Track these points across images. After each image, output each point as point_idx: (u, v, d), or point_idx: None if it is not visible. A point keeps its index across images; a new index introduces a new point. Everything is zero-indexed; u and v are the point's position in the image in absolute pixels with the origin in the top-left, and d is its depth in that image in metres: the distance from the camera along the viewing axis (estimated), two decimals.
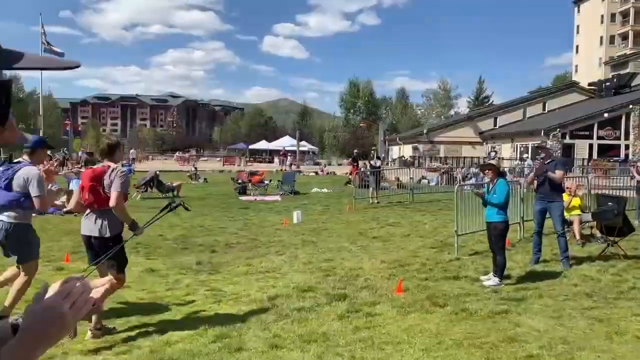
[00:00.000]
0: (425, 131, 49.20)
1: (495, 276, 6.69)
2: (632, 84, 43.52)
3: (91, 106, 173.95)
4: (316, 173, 36.88)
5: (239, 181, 20.93)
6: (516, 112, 49.11)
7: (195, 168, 29.10)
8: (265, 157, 63.52)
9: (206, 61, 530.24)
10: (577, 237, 9.35)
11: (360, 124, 68.65)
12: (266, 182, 20.56)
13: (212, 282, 6.74)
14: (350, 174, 25.33)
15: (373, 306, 5.65)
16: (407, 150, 52.34)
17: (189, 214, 11.18)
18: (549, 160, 7.86)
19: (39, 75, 46.52)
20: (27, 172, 4.76)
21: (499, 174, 6.84)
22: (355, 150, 23.48)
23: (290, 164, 41.91)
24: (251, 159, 61.67)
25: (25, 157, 4.97)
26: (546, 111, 48.23)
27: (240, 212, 14.19)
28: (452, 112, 76.75)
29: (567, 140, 37.44)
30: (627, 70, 45.41)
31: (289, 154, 44.99)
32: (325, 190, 21.53)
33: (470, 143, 47.91)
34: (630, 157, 34.53)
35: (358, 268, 7.57)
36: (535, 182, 7.98)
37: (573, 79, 68.01)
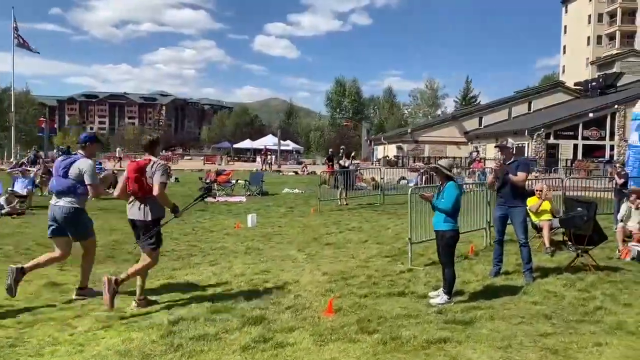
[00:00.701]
0: (409, 131, 48.53)
1: (444, 293, 5.82)
2: (618, 84, 43.04)
3: (79, 104, 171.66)
4: (296, 173, 35.94)
5: (207, 181, 19.99)
6: (502, 111, 48.54)
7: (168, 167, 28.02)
8: (249, 156, 62.62)
9: (197, 60, 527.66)
10: (547, 244, 8.52)
11: (344, 124, 67.82)
12: (232, 182, 19.62)
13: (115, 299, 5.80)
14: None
15: (289, 333, 4.74)
16: (391, 150, 51.58)
17: None
18: (510, 161, 7.00)
19: (16, 71, 45.23)
20: (82, 164, 5.61)
21: (447, 177, 5.97)
22: (331, 150, 22.62)
23: (271, 163, 41.00)
24: (236, 157, 60.76)
25: (80, 150, 5.79)
26: (532, 111, 47.71)
27: (195, 215, 13.25)
28: (439, 111, 76.23)
29: (552, 141, 36.83)
30: (614, 70, 44.94)
31: (269, 153, 44.02)
32: (296, 190, 20.64)
33: (455, 143, 47.26)
34: (615, 157, 33.95)
35: (294, 282, 6.67)
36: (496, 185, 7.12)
37: (560, 79, 67.62)
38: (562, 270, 7.24)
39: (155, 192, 5.37)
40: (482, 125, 47.70)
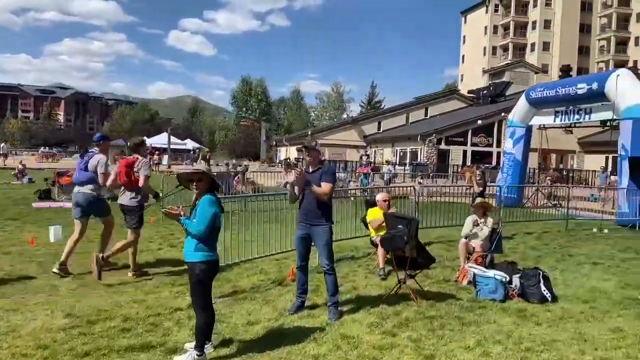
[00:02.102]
0: (309, 133, 47.55)
1: (194, 348, 4.28)
2: (507, 93, 44.65)
3: None
4: None
5: (53, 182, 17.40)
6: (400, 116, 48.91)
7: (24, 166, 24.74)
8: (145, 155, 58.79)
9: (106, 53, 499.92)
10: (381, 264, 7.33)
11: (241, 122, 65.87)
12: None
13: None
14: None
15: None
16: (293, 153, 50.40)
17: None
18: (314, 168, 5.65)
19: None
20: (97, 159, 7.18)
21: (209, 188, 4.42)
22: (198, 147, 20.70)
23: (158, 163, 38.23)
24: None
25: (95, 148, 7.38)
26: (428, 117, 48.48)
27: (5, 224, 10.98)
28: (344, 115, 76.26)
29: (443, 146, 37.25)
30: (503, 79, 46.63)
31: (157, 152, 41.13)
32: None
33: (355, 146, 46.92)
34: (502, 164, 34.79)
35: (11, 331, 4.85)
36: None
37: (460, 87, 69.99)
38: (379, 301, 6.00)
39: (141, 183, 6.93)
40: (381, 129, 47.79)
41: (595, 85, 15.24)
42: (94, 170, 7.09)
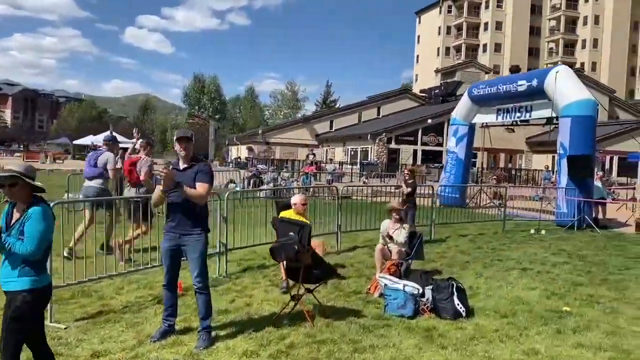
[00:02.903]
0: (260, 132, 46.48)
1: None
2: (458, 93, 44.80)
3: None
4: None
5: None
6: (352, 115, 48.46)
7: None
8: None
9: (59, 49, 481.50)
10: (284, 276, 6.44)
11: (190, 120, 64.08)
12: None
13: None
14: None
15: None
16: (243, 152, 49.17)
17: None
18: (186, 165, 4.71)
19: None
20: (106, 156, 7.98)
21: (29, 194, 3.38)
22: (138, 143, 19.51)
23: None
24: (78, 155, 54.29)
25: (104, 146, 8.22)
26: (380, 116, 48.20)
27: None
28: (299, 114, 75.36)
29: (393, 145, 36.91)
30: (454, 79, 46.82)
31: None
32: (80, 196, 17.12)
33: (306, 145, 46.11)
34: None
35: None
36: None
37: (414, 87, 70.24)
38: (269, 321, 5.12)
39: (141, 178, 7.26)
40: (333, 128, 47.20)
41: (535, 82, 14.88)
42: (103, 167, 7.89)
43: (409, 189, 9.81)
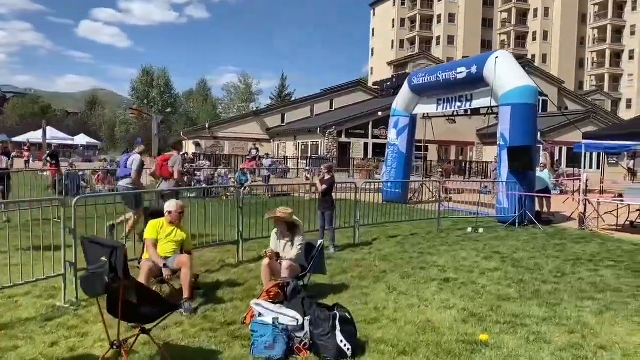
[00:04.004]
0: (207, 126, 44.58)
1: None
2: None
3: None
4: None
5: None
6: (305, 108, 47.09)
7: None
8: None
9: (9, 43, 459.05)
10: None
11: (130, 114, 61.39)
12: None
13: None
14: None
15: None
16: (191, 147, 47.16)
17: None
18: None
19: None
20: (133, 158, 8.78)
21: None
22: (54, 145, 17.74)
23: (27, 161, 33.81)
24: (16, 153, 50.87)
25: (136, 149, 9.06)
26: (333, 109, 47.02)
27: None
28: (254, 107, 73.51)
29: (343, 139, 35.82)
30: (407, 71, 46.04)
31: (34, 148, 36.60)
32: None
33: (256, 140, 44.56)
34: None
35: None
36: None
37: (370, 80, 69.41)
38: None
39: (175, 176, 9.00)
40: (285, 122, 45.75)
41: (474, 69, 13.91)
42: (131, 167, 8.72)
43: (324, 187, 8.57)
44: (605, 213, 12.81)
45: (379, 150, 36.15)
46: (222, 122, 47.61)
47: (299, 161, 34.72)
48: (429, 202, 15.90)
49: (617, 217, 12.57)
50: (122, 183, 8.95)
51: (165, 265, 5.44)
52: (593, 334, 4.88)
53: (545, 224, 12.63)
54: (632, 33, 65.39)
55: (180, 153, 9.42)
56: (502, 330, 4.92)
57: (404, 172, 17.45)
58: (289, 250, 5.72)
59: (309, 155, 36.64)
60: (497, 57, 13.24)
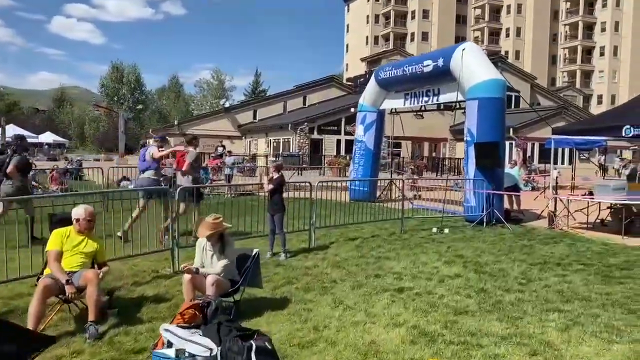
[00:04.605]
0: (176, 123, 43.41)
1: None
2: None
3: None
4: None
5: None
6: (278, 105, 46.25)
7: None
8: None
9: None
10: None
11: (95, 110, 59.74)
12: None
13: None
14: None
15: None
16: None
17: None
18: None
19: None
20: (150, 150, 9.10)
21: None
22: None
23: None
24: (186, 149, 48.95)
25: (153, 142, 9.75)
26: (307, 105, 46.29)
27: None
28: (227, 104, 72.36)
29: (315, 136, 35.13)
30: None
31: None
32: None
33: (228, 137, 43.56)
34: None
35: None
36: None
37: (344, 76, 68.83)
38: None
39: (184, 167, 9.10)
40: (257, 118, 44.84)
41: (440, 62, 13.32)
42: (150, 160, 8.97)
43: (271, 186, 7.83)
44: (576, 211, 12.38)
45: (352, 147, 35.59)
46: (192, 119, 46.47)
47: (269, 158, 33.93)
48: (398, 201, 15.30)
49: (587, 215, 12.13)
50: (146, 175, 9.16)
51: (68, 282, 4.66)
52: (557, 356, 4.27)
53: (515, 223, 12.14)
54: (603, 30, 66.12)
55: (196, 149, 9.53)
56: (454, 354, 4.27)
57: (371, 170, 16.85)
58: (216, 263, 4.98)
59: (280, 152, 35.88)
60: (464, 49, 12.66)
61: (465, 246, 9.06)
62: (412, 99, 15.24)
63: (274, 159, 31.23)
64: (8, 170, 8.51)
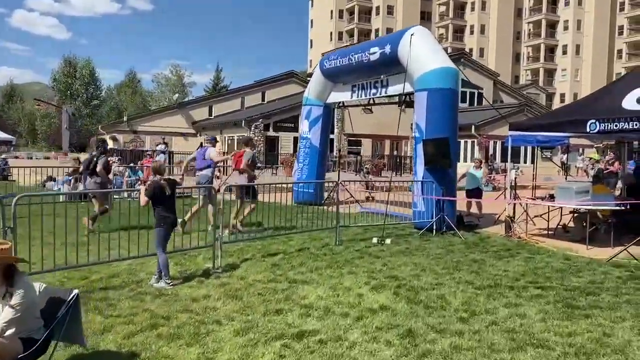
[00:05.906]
0: (125, 119, 41.06)
1: None
2: None
3: None
4: None
5: None
6: (235, 101, 44.36)
7: None
8: None
9: None
10: None
11: (36, 105, 56.62)
12: None
13: None
14: None
15: None
16: (109, 142, 43.46)
17: None
18: None
19: None
20: (210, 151, 9.91)
21: None
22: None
23: None
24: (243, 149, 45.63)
25: (209, 144, 10.17)
26: (266, 101, 44.54)
27: None
28: (186, 99, 69.86)
29: (272, 133, 33.44)
30: None
31: None
32: None
33: (181, 134, 41.51)
34: (335, 152, 31.89)
35: None
36: None
37: (308, 72, 67.24)
38: None
39: (241, 166, 10.10)
40: (213, 115, 42.86)
41: (388, 49, 11.84)
42: (208, 159, 9.84)
43: (145, 199, 6.16)
44: (536, 216, 11.11)
45: None
46: (144, 114, 44.14)
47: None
48: (348, 203, 13.73)
49: (548, 221, 10.85)
50: (204, 173, 9.77)
51: None
52: None
53: (468, 230, 10.78)
54: (565, 28, 66.34)
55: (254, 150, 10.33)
56: None
57: (317, 170, 15.27)
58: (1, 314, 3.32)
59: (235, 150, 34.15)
60: (412, 35, 11.20)
61: (404, 262, 7.58)
62: (360, 92, 13.75)
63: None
64: (97, 169, 9.80)
